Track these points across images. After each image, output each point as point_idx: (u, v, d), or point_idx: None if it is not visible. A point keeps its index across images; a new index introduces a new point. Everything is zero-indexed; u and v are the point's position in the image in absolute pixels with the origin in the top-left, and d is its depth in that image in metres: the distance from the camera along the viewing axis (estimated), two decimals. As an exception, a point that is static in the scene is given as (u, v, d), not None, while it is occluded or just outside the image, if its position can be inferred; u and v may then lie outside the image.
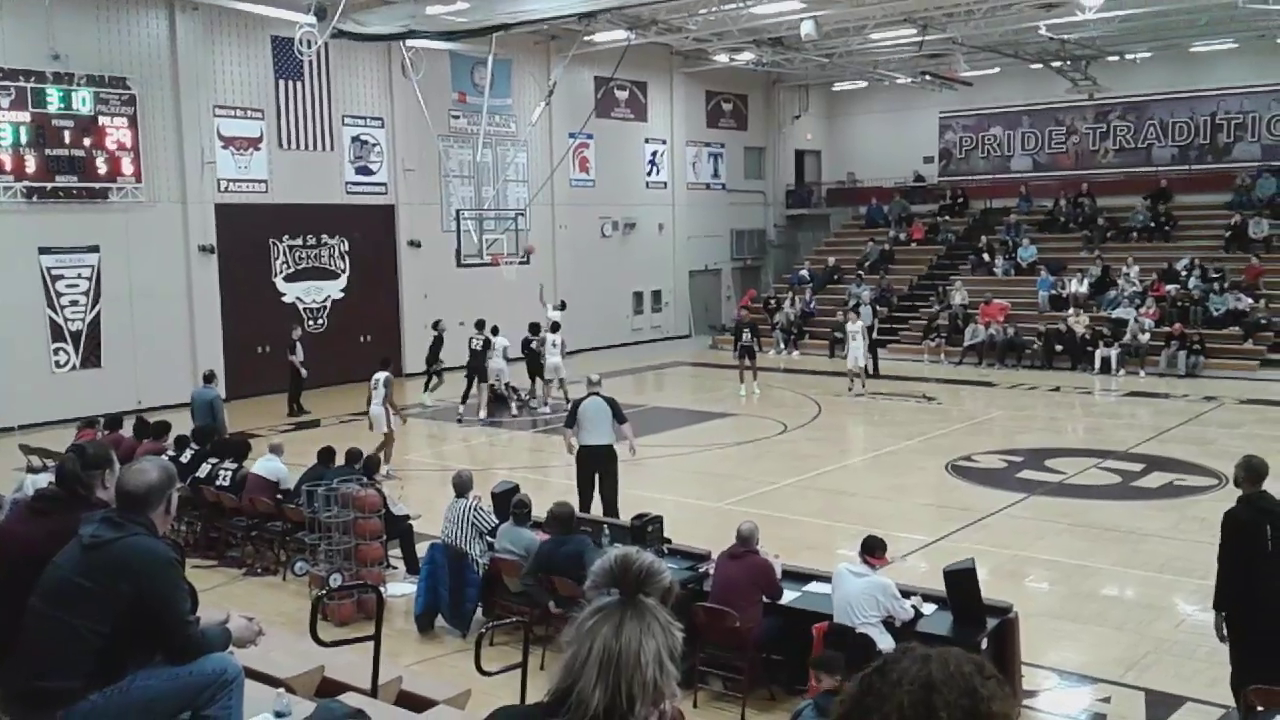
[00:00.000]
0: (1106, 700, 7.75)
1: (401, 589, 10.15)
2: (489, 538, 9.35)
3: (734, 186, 34.10)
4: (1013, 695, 1.74)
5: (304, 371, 20.33)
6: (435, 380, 20.66)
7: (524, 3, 19.06)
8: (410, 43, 20.15)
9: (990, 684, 1.68)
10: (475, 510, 9.51)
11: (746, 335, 21.50)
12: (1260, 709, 6.16)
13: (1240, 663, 6.67)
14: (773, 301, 29.92)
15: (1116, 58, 28.66)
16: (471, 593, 9.28)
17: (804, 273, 30.99)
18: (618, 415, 11.92)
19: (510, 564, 8.95)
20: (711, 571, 8.29)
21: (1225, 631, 6.76)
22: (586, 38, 24.27)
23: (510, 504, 9.39)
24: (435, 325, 20.66)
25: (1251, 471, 6.67)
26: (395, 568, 10.77)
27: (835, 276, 30.45)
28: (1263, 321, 23.35)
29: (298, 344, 20.29)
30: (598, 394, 11.98)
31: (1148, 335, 23.35)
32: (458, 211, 21.52)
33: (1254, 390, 20.32)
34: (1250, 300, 23.90)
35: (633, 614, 2.06)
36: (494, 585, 9.26)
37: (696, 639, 7.61)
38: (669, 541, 9.08)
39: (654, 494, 12.84)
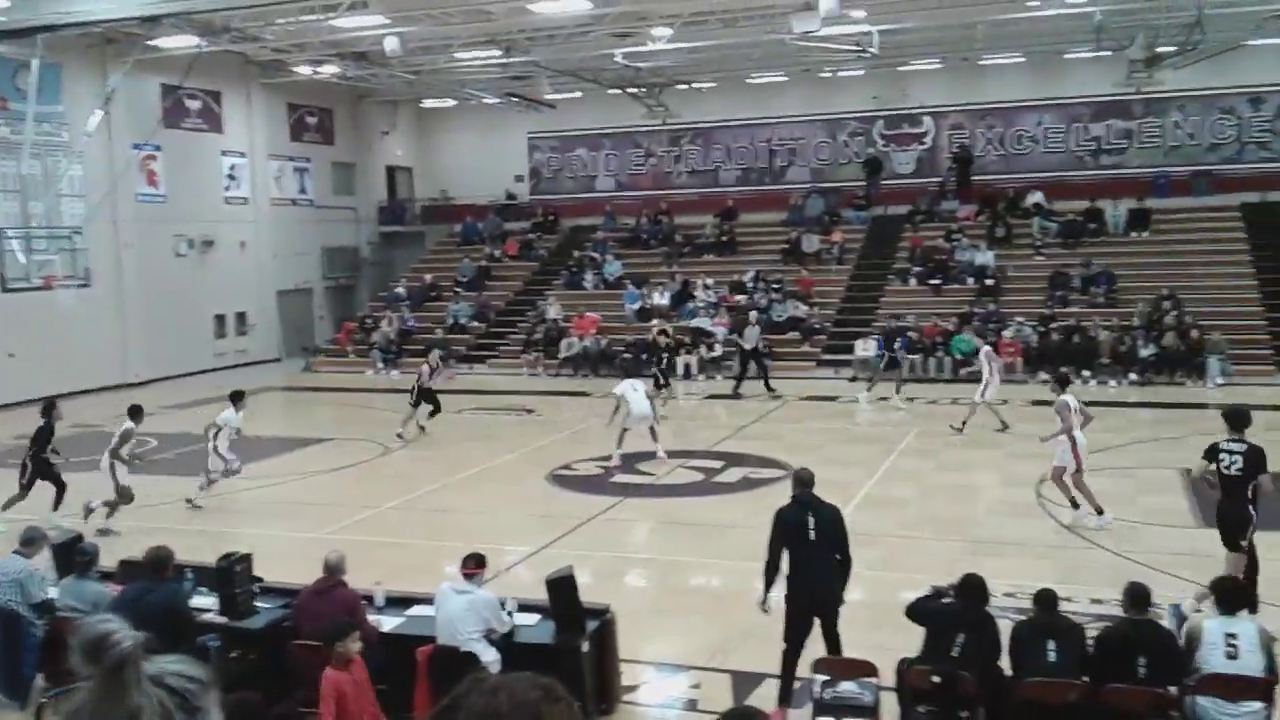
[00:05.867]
0: (697, 686, 8.22)
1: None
2: (45, 594, 8.28)
3: (323, 203, 32.98)
4: (579, 715, 1.77)
5: None
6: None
7: (74, 3, 17.31)
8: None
9: (556, 708, 1.70)
10: (26, 571, 8.35)
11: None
12: (825, 678, 6.82)
13: (795, 634, 7.56)
14: (369, 320, 29.28)
15: (686, 86, 30.92)
16: (30, 658, 8.18)
17: (400, 290, 30.60)
18: None
19: (75, 623, 7.97)
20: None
21: (767, 606, 7.66)
22: (151, 43, 22.48)
23: (72, 555, 8.37)
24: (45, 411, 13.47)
25: (800, 481, 7.77)
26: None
27: (433, 294, 30.35)
28: (816, 326, 26.10)
29: None
30: None
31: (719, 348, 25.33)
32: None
33: (812, 388, 22.63)
34: (806, 307, 26.64)
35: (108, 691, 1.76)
36: (56, 648, 8.21)
37: (295, 679, 7.18)
38: (260, 580, 8.50)
39: (247, 529, 12.04)
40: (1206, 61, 24.78)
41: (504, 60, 25.89)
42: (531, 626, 7.73)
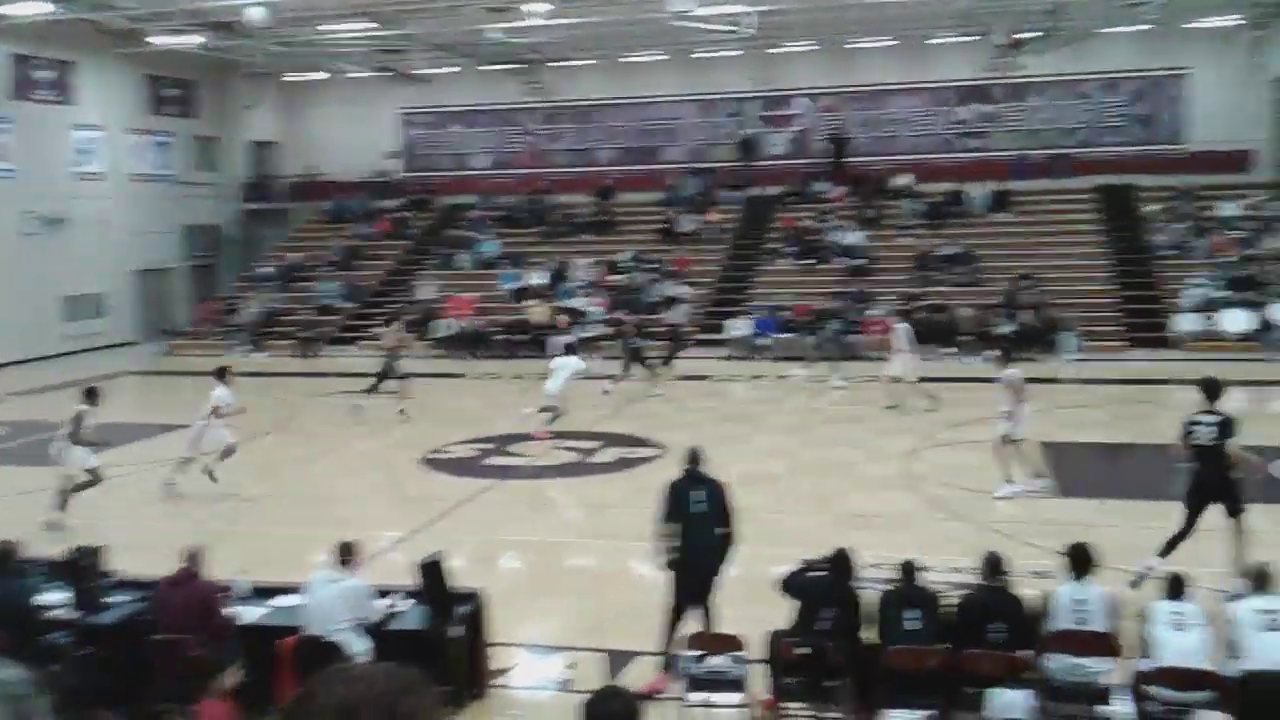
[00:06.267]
0: (572, 666, 8.21)
1: None
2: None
3: (185, 179, 31.76)
4: (439, 707, 1.77)
5: None
6: None
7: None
8: None
9: (412, 700, 1.68)
10: None
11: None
12: (696, 653, 6.90)
13: (677, 603, 7.85)
14: (233, 301, 28.36)
15: (564, 64, 30.70)
16: None
17: (267, 270, 29.69)
18: None
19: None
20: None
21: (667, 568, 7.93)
22: (-2, 8, 21.29)
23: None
24: None
25: (691, 456, 8.15)
26: None
27: (300, 273, 29.55)
28: (694, 306, 26.31)
29: None
30: None
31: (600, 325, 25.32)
32: None
33: (687, 367, 22.78)
34: (682, 287, 26.81)
35: None
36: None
37: (151, 674, 6.92)
38: (109, 574, 8.13)
39: (108, 521, 11.55)
40: (1065, 48, 25.74)
41: (376, 33, 25.28)
42: (404, 612, 7.61)
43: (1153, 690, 6.38)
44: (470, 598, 7.79)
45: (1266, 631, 6.31)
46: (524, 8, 22.79)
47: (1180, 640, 6.45)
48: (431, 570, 7.58)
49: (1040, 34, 24.57)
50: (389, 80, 31.22)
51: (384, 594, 7.70)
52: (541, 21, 23.68)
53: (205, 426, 13.25)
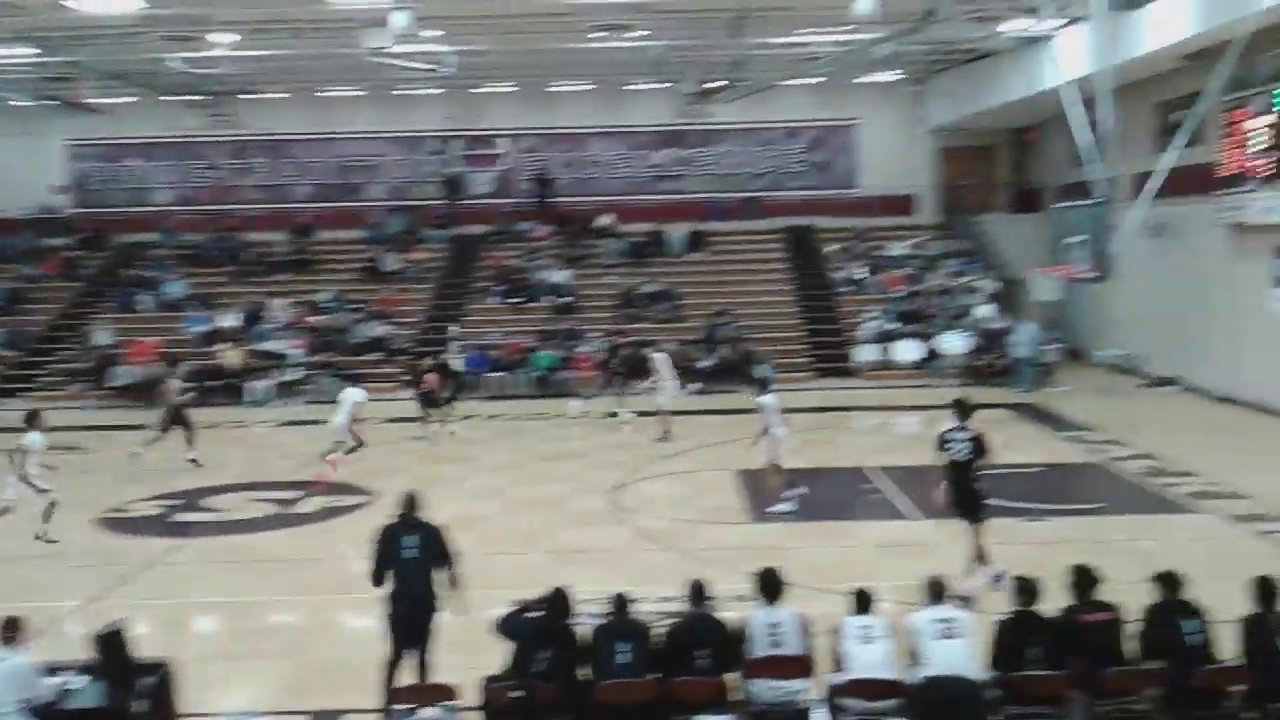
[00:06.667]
0: (273, 733, 7.72)
1: None
2: None
3: None
4: None
5: None
6: None
7: None
8: None
9: None
10: None
11: None
12: (405, 707, 6.67)
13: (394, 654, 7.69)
14: None
15: (254, 96, 29.36)
16: None
17: (-88, 316, 26.43)
18: None
19: None
20: None
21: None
22: None
23: None
24: None
25: (406, 501, 8.01)
26: None
27: (-46, 319, 26.50)
28: (399, 346, 25.74)
29: None
30: None
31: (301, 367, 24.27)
32: None
33: (395, 409, 22.18)
34: (387, 327, 26.19)
35: None
36: None
37: None
38: None
39: None
40: (751, 97, 27.37)
41: (41, 59, 23.20)
42: (80, 689, 6.90)
43: (846, 702, 6.76)
44: (156, 668, 7.18)
45: (942, 640, 6.83)
46: (208, 37, 21.61)
47: (868, 653, 6.87)
48: (110, 641, 6.94)
49: (726, 84, 26.00)
50: (55, 109, 28.71)
51: (54, 671, 6.97)
52: (227, 53, 22.55)
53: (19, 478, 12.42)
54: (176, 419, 17.36)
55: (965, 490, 10.22)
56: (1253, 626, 6.80)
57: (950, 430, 10.32)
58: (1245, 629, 6.80)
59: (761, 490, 13.76)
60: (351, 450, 16.28)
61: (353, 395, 16.58)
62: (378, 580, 7.70)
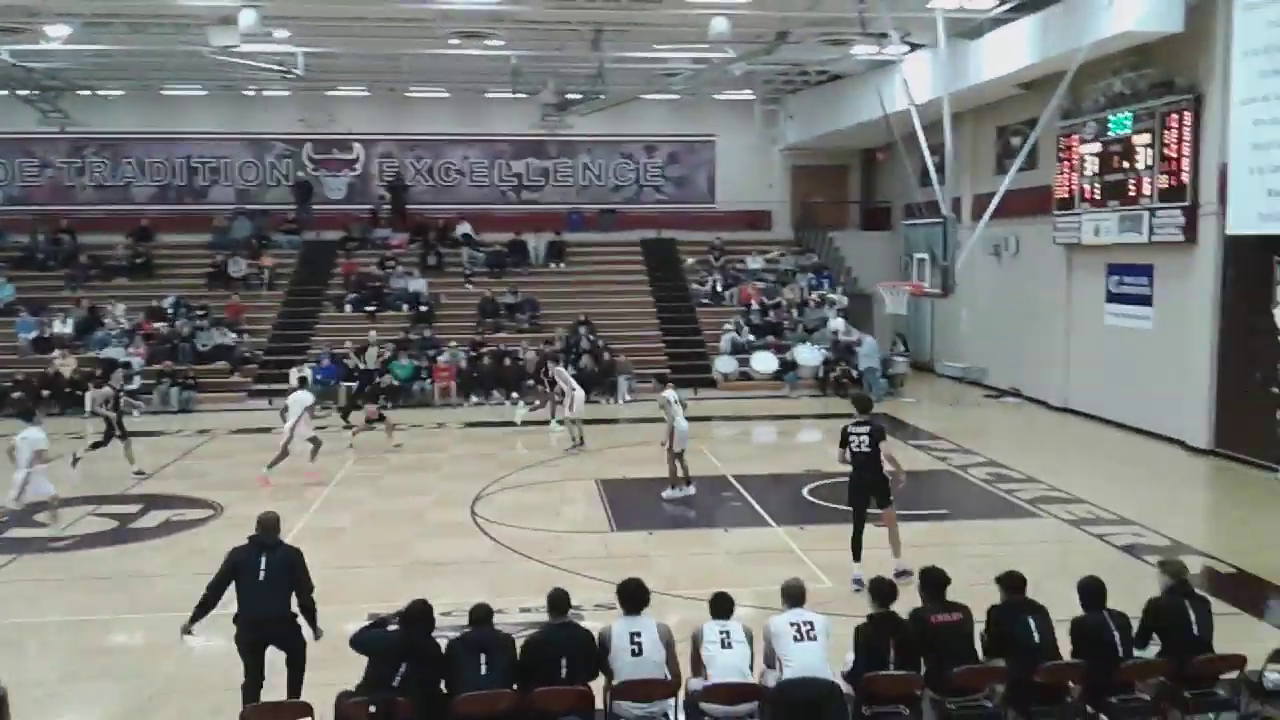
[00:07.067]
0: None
1: None
2: None
3: None
4: None
5: None
6: None
7: None
8: None
9: None
10: None
11: None
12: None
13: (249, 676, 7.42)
14: None
15: (90, 92, 27.98)
16: None
17: None
18: None
19: None
20: None
21: (191, 631, 7.59)
22: None
23: None
24: None
25: (261, 523, 7.80)
26: None
27: None
28: (247, 355, 24.89)
29: None
30: None
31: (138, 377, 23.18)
32: None
33: (243, 420, 21.48)
34: (234, 335, 25.29)
35: None
36: None
37: None
38: None
39: None
40: (611, 110, 27.52)
41: None
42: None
43: (706, 707, 6.81)
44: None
45: (798, 642, 6.96)
46: (42, 29, 20.48)
47: (727, 657, 6.94)
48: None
49: (585, 96, 26.08)
50: None
51: None
52: (61, 46, 21.42)
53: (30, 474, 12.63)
54: (113, 429, 16.85)
55: (871, 478, 10.80)
56: (1082, 627, 7.15)
57: (852, 424, 10.93)
58: (1074, 629, 7.15)
59: (622, 501, 13.79)
60: (314, 453, 16.25)
61: (303, 399, 16.29)
62: (212, 596, 7.46)
